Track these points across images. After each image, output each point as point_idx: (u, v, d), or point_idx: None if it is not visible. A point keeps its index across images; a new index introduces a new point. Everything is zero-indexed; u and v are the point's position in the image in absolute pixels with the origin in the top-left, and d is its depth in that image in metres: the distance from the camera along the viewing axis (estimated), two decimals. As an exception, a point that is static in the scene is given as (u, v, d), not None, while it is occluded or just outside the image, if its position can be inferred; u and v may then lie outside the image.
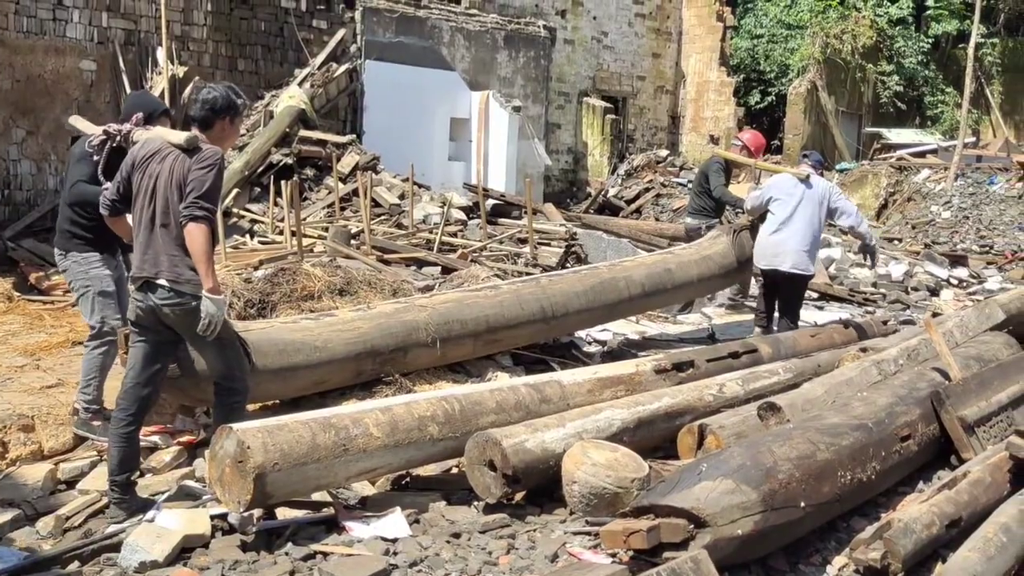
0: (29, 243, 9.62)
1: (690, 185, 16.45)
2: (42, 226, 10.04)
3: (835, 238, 13.35)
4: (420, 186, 11.37)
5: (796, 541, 3.32)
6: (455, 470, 4.14)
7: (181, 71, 11.16)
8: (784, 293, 7.11)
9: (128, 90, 10.94)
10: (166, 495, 3.82)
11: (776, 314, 7.19)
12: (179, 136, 3.74)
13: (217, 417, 3.75)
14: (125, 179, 3.79)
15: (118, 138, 4.35)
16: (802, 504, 3.18)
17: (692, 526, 2.91)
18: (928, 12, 22.90)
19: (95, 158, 4.39)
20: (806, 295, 7.82)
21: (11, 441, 4.04)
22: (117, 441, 3.68)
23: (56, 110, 10.62)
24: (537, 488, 3.78)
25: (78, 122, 4.73)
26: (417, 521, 3.53)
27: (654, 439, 4.31)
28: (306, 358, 4.48)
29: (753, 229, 7.31)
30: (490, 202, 11.38)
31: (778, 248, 6.89)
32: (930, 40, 22.71)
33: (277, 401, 4.67)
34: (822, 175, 7.30)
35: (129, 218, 3.92)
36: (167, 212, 3.63)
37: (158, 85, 10.79)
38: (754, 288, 8.03)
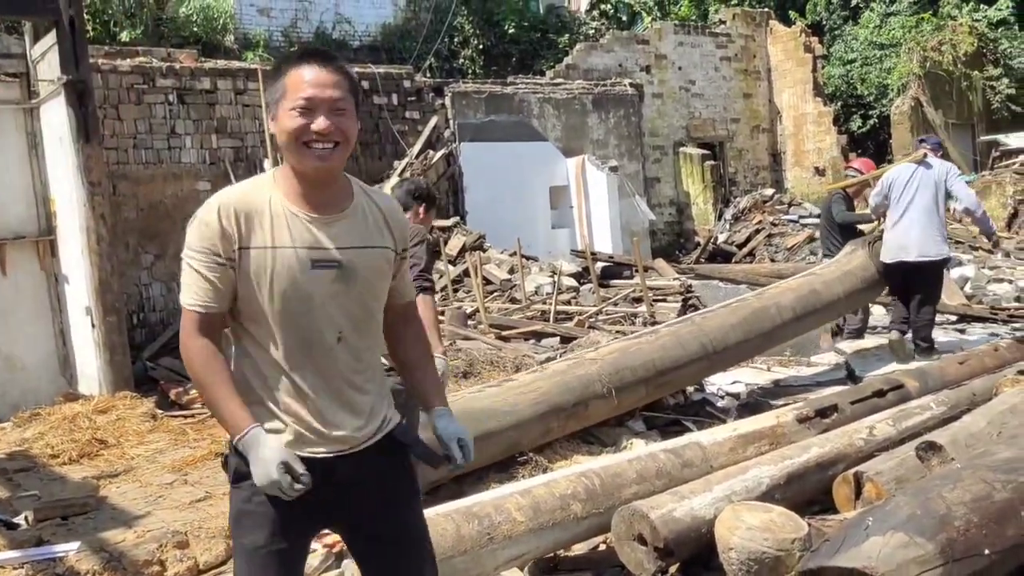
0: (167, 361, 10.06)
1: (801, 222, 16.03)
2: (176, 343, 10.50)
3: (965, 255, 12.70)
4: (528, 258, 11.43)
5: (985, 592, 3.05)
6: (603, 547, 4.01)
7: (288, 179, 11.65)
8: (916, 287, 6.80)
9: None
10: (319, 600, 3.82)
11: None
12: None
13: None
14: None
15: None
16: (986, 551, 2.92)
17: (868, 587, 2.70)
18: (1031, 9, 21.89)
19: None
20: (944, 317, 7.42)
21: (168, 559, 4.14)
22: None
23: (178, 232, 11.19)
24: (691, 558, 3.61)
25: None
26: (572, 605, 3.42)
27: (807, 493, 4.08)
28: (498, 423, 4.63)
29: None
30: (599, 265, 11.33)
31: (901, 239, 6.67)
32: (1037, 37, 21.64)
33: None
34: (943, 157, 7.05)
35: None
36: None
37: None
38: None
